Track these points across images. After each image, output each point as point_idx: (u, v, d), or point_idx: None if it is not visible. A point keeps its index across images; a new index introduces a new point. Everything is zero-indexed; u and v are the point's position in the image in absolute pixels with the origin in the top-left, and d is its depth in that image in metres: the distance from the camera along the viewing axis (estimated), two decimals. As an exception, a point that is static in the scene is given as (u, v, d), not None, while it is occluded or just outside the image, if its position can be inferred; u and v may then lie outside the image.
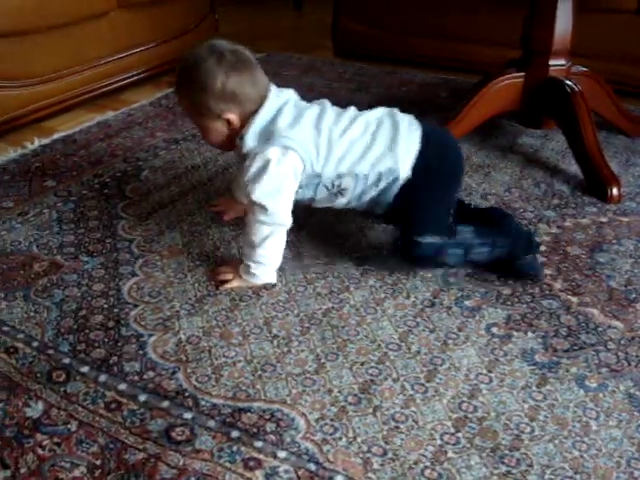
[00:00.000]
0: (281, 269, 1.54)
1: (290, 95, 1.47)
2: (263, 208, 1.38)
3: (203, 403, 1.20)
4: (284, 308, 1.45)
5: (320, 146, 1.40)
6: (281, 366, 1.29)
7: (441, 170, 1.45)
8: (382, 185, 1.45)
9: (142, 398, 1.22)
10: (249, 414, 1.18)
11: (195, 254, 1.64)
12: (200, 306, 1.46)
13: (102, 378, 1.27)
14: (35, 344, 1.36)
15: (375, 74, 2.98)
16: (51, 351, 1.34)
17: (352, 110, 1.49)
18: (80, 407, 1.21)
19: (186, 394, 1.23)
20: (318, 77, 2.91)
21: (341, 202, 1.49)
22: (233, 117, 1.41)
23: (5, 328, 1.41)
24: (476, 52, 2.85)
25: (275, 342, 1.36)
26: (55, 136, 2.35)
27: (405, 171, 1.42)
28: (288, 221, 1.43)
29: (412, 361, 1.30)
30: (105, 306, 1.47)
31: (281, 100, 1.43)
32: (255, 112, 1.40)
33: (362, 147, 1.42)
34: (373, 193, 1.46)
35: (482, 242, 1.45)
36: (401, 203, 1.45)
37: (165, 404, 1.21)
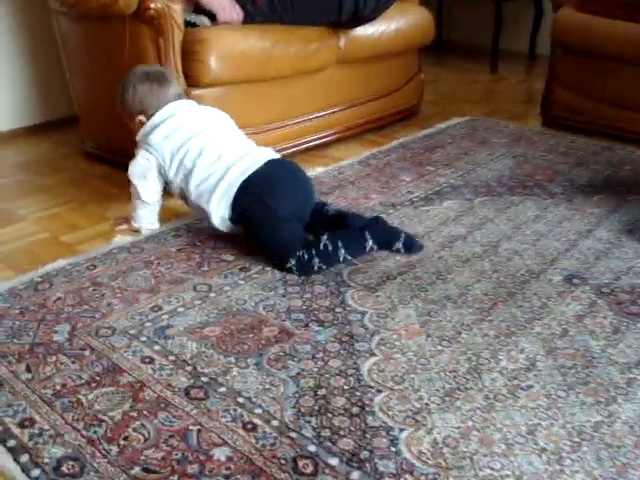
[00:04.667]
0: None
1: (180, 111, 1.89)
2: (134, 187, 1.89)
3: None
4: (547, 416, 1.27)
5: (174, 160, 1.84)
6: (559, 490, 1.10)
7: (255, 214, 1.79)
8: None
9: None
10: None
11: (435, 337, 1.49)
12: (451, 401, 1.30)
13: (354, 475, 1.14)
14: (275, 423, 1.25)
15: (591, 149, 2.77)
16: (293, 434, 1.22)
17: (223, 145, 1.88)
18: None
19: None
20: (530, 147, 2.74)
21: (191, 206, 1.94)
22: (143, 118, 1.89)
23: (240, 399, 1.30)
24: None
25: (544, 457, 1.18)
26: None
27: (216, 215, 1.86)
28: (151, 200, 1.93)
29: None
30: (345, 387, 1.34)
31: (167, 114, 1.87)
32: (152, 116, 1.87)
33: (197, 179, 1.84)
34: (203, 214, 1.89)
35: (336, 243, 1.75)
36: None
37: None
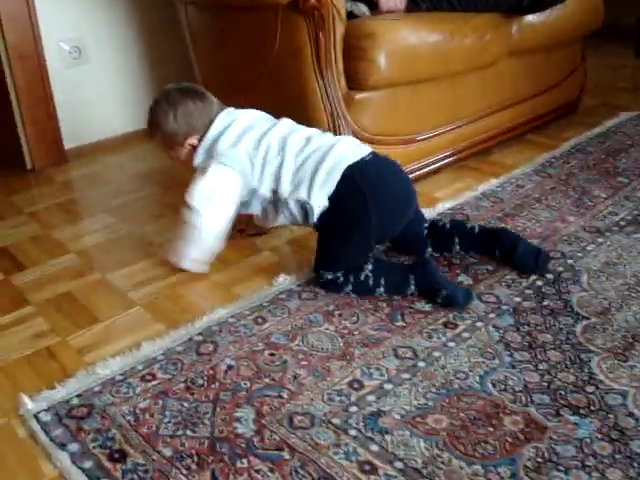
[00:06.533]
0: None
1: (241, 115, 1.62)
2: (197, 212, 1.54)
3: None
4: None
5: (255, 162, 1.54)
6: None
7: (344, 215, 1.52)
8: (304, 208, 1.55)
9: None
10: None
11: None
12: None
13: None
14: None
15: None
16: None
17: (307, 132, 1.60)
18: None
19: None
20: None
21: (278, 218, 1.60)
22: (193, 141, 1.62)
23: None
24: None
25: None
26: (440, 207, 1.89)
27: (318, 203, 1.52)
28: (215, 229, 1.57)
29: None
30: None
31: (227, 120, 1.60)
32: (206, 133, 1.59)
33: (290, 170, 1.53)
34: (299, 213, 1.57)
35: (378, 280, 1.51)
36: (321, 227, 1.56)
37: None
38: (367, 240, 1.54)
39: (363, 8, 1.94)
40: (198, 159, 1.61)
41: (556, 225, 1.82)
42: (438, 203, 1.95)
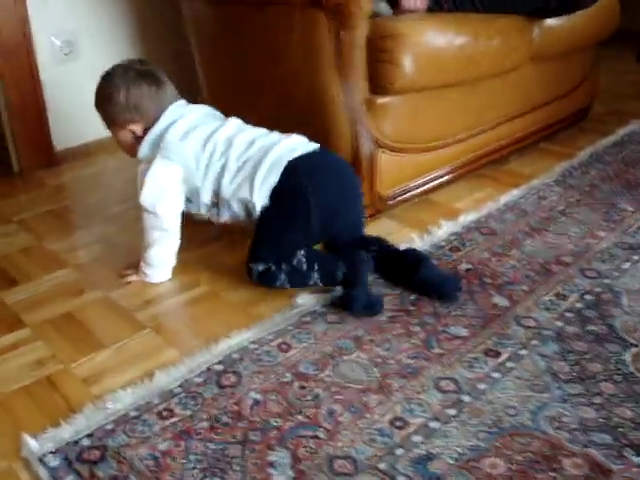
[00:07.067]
0: None
1: (190, 111, 1.57)
2: (152, 213, 1.51)
3: None
4: None
5: (200, 162, 1.50)
6: None
7: (285, 207, 1.48)
8: (246, 207, 1.52)
9: None
10: None
11: None
12: None
13: None
14: None
15: None
16: None
17: (253, 132, 1.56)
18: None
19: None
20: None
21: (222, 217, 1.57)
22: (136, 128, 1.55)
23: None
24: None
25: None
26: (462, 220, 1.77)
27: (260, 201, 1.49)
28: (175, 227, 1.54)
29: None
30: None
31: (176, 114, 1.54)
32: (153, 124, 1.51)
33: (232, 172, 1.50)
34: (241, 212, 1.54)
35: (312, 264, 1.46)
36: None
37: None
38: (305, 234, 1.50)
39: (384, 7, 1.82)
40: (142, 152, 1.55)
41: (587, 241, 1.72)
42: (459, 215, 1.84)
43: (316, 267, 1.46)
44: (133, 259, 1.64)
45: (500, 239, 1.73)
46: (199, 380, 1.26)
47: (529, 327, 1.39)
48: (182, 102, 1.60)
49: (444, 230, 1.76)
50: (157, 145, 1.52)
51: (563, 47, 2.18)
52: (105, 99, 1.56)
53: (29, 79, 2.20)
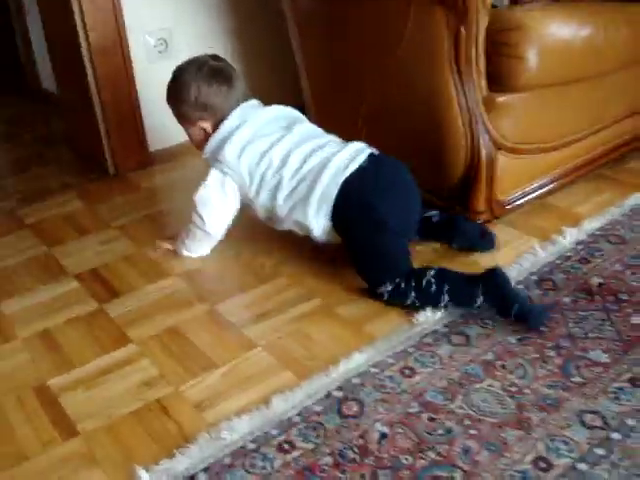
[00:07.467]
0: None
1: (255, 116, 1.55)
2: (199, 215, 1.59)
3: None
4: None
5: (255, 177, 1.51)
6: None
7: (362, 220, 1.44)
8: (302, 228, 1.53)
9: None
10: None
11: None
12: None
13: None
14: None
15: None
16: None
17: (311, 145, 1.51)
18: None
19: None
20: None
21: (280, 228, 1.58)
22: (205, 125, 1.58)
23: None
24: None
25: None
26: (586, 227, 1.62)
27: (318, 224, 1.48)
28: (217, 233, 1.62)
29: None
30: None
31: (242, 118, 1.54)
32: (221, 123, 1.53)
33: (285, 191, 1.49)
34: (298, 229, 1.54)
35: (441, 287, 1.37)
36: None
37: None
38: (395, 235, 1.45)
39: (502, -4, 1.67)
40: (207, 152, 1.57)
41: None
42: (582, 221, 1.69)
43: (446, 288, 1.37)
44: (223, 258, 1.69)
45: (631, 248, 1.58)
46: (318, 408, 1.17)
47: (679, 352, 1.24)
48: (253, 102, 1.60)
49: (568, 239, 1.62)
50: (216, 152, 1.54)
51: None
52: (175, 96, 1.57)
53: (123, 78, 2.16)
